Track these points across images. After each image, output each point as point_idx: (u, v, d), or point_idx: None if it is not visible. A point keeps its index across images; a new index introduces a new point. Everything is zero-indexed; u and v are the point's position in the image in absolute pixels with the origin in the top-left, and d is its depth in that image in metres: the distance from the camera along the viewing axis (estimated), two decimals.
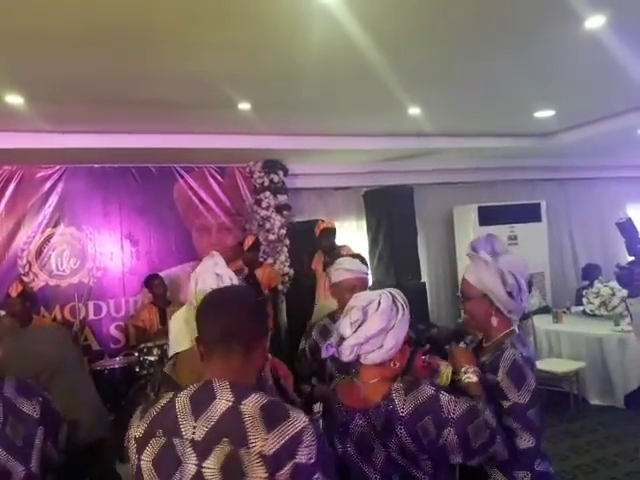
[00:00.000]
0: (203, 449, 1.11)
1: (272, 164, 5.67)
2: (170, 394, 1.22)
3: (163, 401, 1.21)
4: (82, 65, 3.00)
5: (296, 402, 1.93)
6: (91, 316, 5.07)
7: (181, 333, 2.55)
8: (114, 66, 3.06)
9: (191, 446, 1.12)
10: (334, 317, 2.52)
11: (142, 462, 1.16)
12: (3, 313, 3.37)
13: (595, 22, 2.82)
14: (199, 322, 1.29)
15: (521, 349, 1.71)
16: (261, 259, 5.49)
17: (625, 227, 2.49)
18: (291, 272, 5.62)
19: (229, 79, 3.42)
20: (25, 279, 4.77)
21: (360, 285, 2.41)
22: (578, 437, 4.17)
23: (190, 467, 1.11)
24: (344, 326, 1.54)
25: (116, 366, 4.44)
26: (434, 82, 3.83)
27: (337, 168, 6.24)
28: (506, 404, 1.64)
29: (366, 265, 2.72)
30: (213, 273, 1.90)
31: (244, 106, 4.00)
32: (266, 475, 1.05)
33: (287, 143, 5.14)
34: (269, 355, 1.87)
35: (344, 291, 2.40)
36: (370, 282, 6.34)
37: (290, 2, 2.41)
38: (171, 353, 2.67)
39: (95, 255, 5.15)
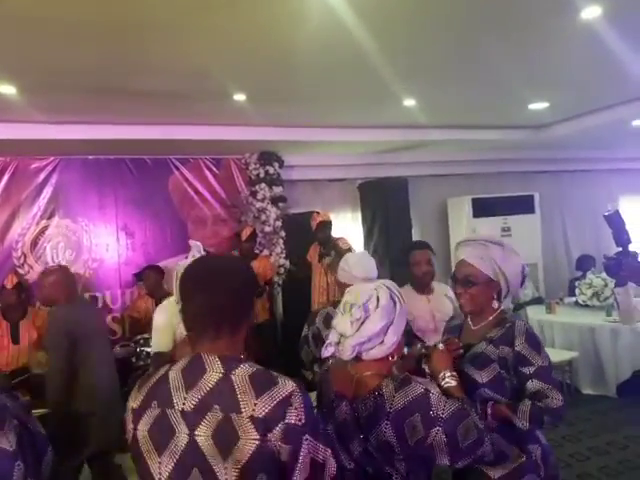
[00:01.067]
0: (193, 419, 1.15)
1: (268, 156, 5.67)
2: (166, 367, 1.27)
3: (158, 374, 1.26)
4: (76, 55, 2.98)
5: None
6: None
7: (162, 330, 2.56)
8: (108, 56, 3.04)
9: (182, 416, 1.17)
10: (337, 305, 2.54)
11: (138, 432, 1.21)
12: None
13: (591, 13, 2.83)
14: (184, 297, 1.28)
15: (522, 320, 1.84)
16: (257, 251, 5.50)
17: (612, 219, 2.54)
18: (287, 264, 5.63)
19: (224, 70, 3.41)
20: (20, 271, 4.76)
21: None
22: (571, 426, 4.23)
23: (182, 437, 1.15)
24: (344, 324, 1.50)
25: None
26: (429, 74, 3.84)
27: (332, 160, 6.25)
28: (531, 369, 1.73)
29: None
30: None
31: (239, 97, 3.99)
32: (258, 436, 1.11)
33: (283, 135, 5.13)
34: None
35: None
36: None
37: None
38: (153, 349, 2.67)
39: (90, 247, 5.14)
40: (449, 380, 1.65)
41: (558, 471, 1.84)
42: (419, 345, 2.07)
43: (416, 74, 3.79)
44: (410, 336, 2.25)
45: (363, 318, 1.48)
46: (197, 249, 1.94)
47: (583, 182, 7.97)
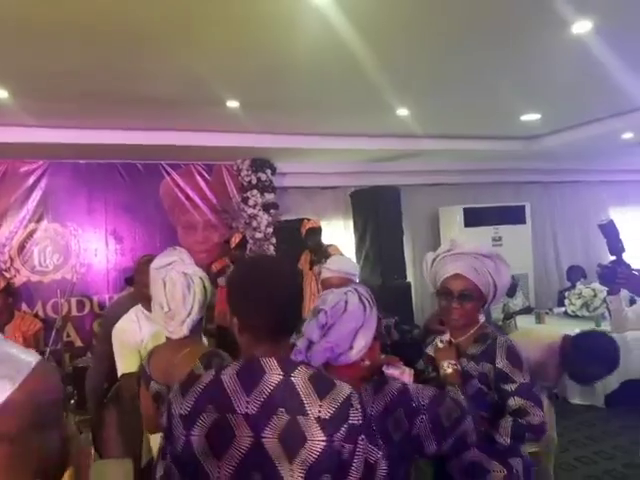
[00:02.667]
0: (258, 422, 1.15)
1: (260, 162, 5.66)
2: (211, 371, 1.26)
3: (205, 379, 1.24)
4: (69, 60, 2.97)
5: None
6: (74, 312, 5.02)
7: (126, 347, 2.44)
8: (101, 62, 3.03)
9: (245, 420, 1.16)
10: None
11: (192, 437, 1.19)
12: None
13: (582, 27, 2.85)
14: (234, 307, 1.26)
15: (504, 335, 1.84)
16: (244, 256, 5.47)
17: (607, 228, 2.56)
18: None
19: (218, 77, 3.40)
20: (6, 274, 4.70)
21: (342, 285, 2.43)
22: (559, 436, 4.18)
23: (245, 439, 1.15)
24: (312, 330, 1.46)
25: None
26: (422, 84, 3.85)
27: (325, 168, 6.25)
28: (513, 387, 1.72)
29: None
30: (181, 273, 1.84)
31: (232, 104, 3.98)
32: (325, 437, 1.12)
33: (275, 142, 5.13)
34: None
35: (326, 290, 2.44)
36: (357, 281, 6.31)
37: (280, 2, 2.41)
38: (121, 371, 2.47)
39: (79, 251, 5.10)
40: (446, 368, 1.73)
41: None
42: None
43: (409, 84, 3.81)
44: (426, 331, 2.25)
45: (330, 323, 1.45)
46: (179, 255, 1.89)
47: (574, 193, 8.03)
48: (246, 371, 1.21)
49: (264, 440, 1.14)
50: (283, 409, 1.15)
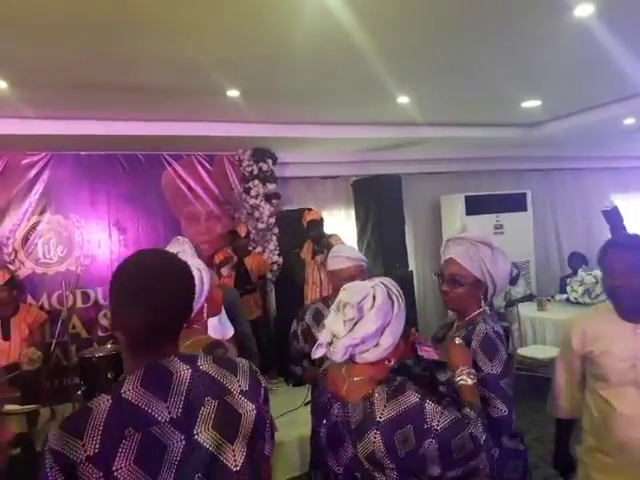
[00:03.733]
0: (187, 421, 1.13)
1: (261, 152, 5.65)
2: (102, 398, 1.11)
3: (103, 406, 1.09)
4: (67, 50, 2.95)
5: None
6: (79, 304, 5.04)
7: None
8: (101, 51, 3.02)
9: (172, 425, 1.11)
10: (327, 301, 2.55)
11: (117, 472, 1.05)
12: None
13: (584, 11, 2.83)
14: (142, 301, 1.13)
15: (492, 324, 1.80)
16: (250, 248, 5.49)
17: (610, 215, 2.59)
18: (280, 260, 5.63)
19: (218, 65, 3.39)
20: (11, 267, 4.72)
21: (359, 274, 2.40)
22: None
23: (177, 444, 1.10)
24: (336, 324, 1.41)
25: (103, 354, 4.42)
26: (423, 72, 3.84)
27: (326, 157, 6.25)
28: (480, 375, 1.68)
29: None
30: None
31: (233, 93, 3.98)
32: (253, 406, 1.22)
33: (276, 131, 5.12)
34: None
35: (343, 280, 2.40)
36: None
37: None
38: None
39: (82, 243, 5.11)
40: (465, 378, 1.59)
41: (522, 476, 1.79)
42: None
43: (410, 72, 3.80)
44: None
45: (357, 318, 1.39)
46: (182, 244, 1.92)
47: (575, 180, 8.02)
48: (150, 379, 1.13)
49: (197, 437, 1.12)
50: (208, 397, 1.16)
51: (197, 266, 1.88)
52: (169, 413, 1.11)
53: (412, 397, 1.37)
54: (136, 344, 1.17)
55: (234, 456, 1.15)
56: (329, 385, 1.54)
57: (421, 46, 3.30)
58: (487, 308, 1.89)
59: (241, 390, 1.21)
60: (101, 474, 1.04)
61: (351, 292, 1.45)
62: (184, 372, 1.16)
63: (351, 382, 1.46)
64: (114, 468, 1.04)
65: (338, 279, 2.44)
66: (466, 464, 1.37)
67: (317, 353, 1.46)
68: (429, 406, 1.36)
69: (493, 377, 1.69)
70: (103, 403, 1.10)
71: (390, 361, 1.45)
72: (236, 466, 1.15)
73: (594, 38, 3.18)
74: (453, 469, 1.36)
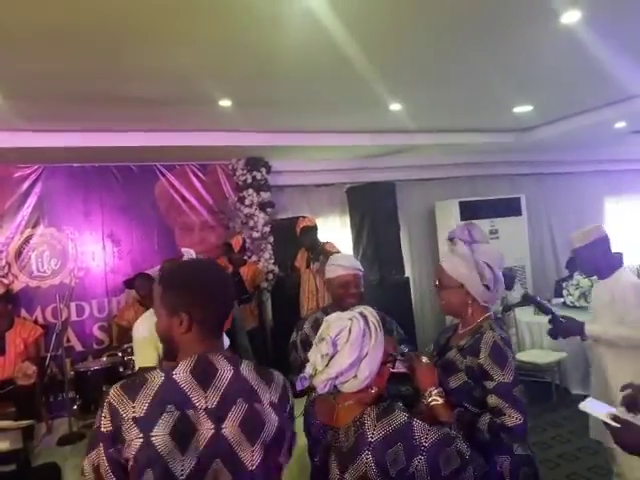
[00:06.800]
0: (218, 414, 1.25)
1: (255, 161, 5.65)
2: (157, 372, 1.28)
3: (156, 379, 1.26)
4: (60, 62, 2.96)
5: None
6: (73, 317, 5.00)
7: (145, 344, 2.55)
8: (93, 63, 3.02)
9: (205, 414, 1.25)
10: (327, 311, 2.54)
11: (153, 438, 1.20)
12: None
13: (570, 17, 2.86)
14: (184, 302, 1.32)
15: (499, 331, 1.78)
16: (245, 257, 5.48)
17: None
18: (276, 269, 5.62)
19: (209, 75, 3.40)
20: (4, 281, 4.69)
21: (354, 281, 2.44)
22: (560, 426, 4.25)
23: (206, 432, 1.24)
24: (315, 358, 1.45)
25: (98, 367, 4.40)
26: (414, 79, 3.86)
27: (320, 165, 6.25)
28: (491, 384, 1.68)
29: None
30: None
31: (225, 103, 3.98)
32: (277, 418, 1.32)
33: (269, 140, 5.13)
34: None
35: (338, 287, 2.45)
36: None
37: None
38: (138, 365, 2.66)
39: (76, 255, 5.09)
40: (436, 397, 1.61)
41: None
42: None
43: (401, 79, 3.81)
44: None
45: (332, 353, 1.42)
46: (189, 256, 1.93)
47: (568, 184, 8.06)
48: (199, 369, 1.28)
49: (224, 430, 1.24)
50: (241, 399, 1.28)
51: None
52: (205, 402, 1.25)
53: (400, 416, 1.40)
54: (199, 335, 1.32)
55: (252, 457, 1.26)
56: (318, 416, 1.58)
57: (411, 54, 3.32)
58: (492, 313, 1.87)
59: (270, 401, 1.32)
60: (141, 435, 1.20)
61: (328, 325, 1.49)
62: (227, 371, 1.30)
63: (341, 407, 1.48)
64: (152, 434, 1.20)
65: (333, 287, 2.49)
66: (453, 478, 1.39)
67: (300, 385, 1.48)
68: (417, 424, 1.39)
69: (506, 386, 1.67)
70: (157, 377, 1.27)
71: (372, 389, 1.46)
72: (252, 465, 1.26)
73: (582, 44, 3.21)
74: None
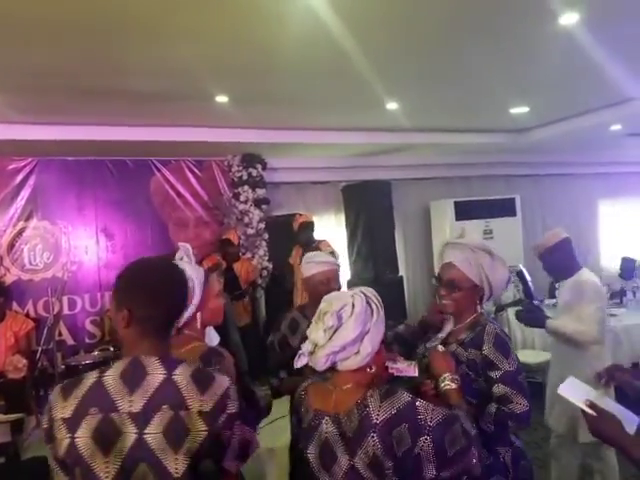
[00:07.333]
0: (142, 419, 1.23)
1: (250, 158, 5.64)
2: (93, 373, 1.30)
3: (88, 381, 1.28)
4: (55, 55, 2.94)
5: (257, 394, 1.96)
6: (65, 311, 4.98)
7: None
8: (89, 56, 3.00)
9: (129, 418, 1.23)
10: (303, 310, 2.54)
11: (77, 439, 1.23)
12: None
13: (568, 19, 2.86)
14: (127, 298, 1.32)
15: (497, 324, 1.86)
16: (239, 253, 5.47)
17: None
18: (270, 266, 5.61)
19: (206, 71, 3.39)
20: None
21: (333, 277, 2.45)
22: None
23: (130, 436, 1.23)
24: (317, 333, 1.43)
25: (90, 361, 4.38)
26: (411, 78, 3.86)
27: (316, 162, 6.25)
28: (497, 373, 1.74)
29: (336, 258, 2.74)
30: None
31: (221, 99, 3.97)
32: (206, 428, 1.25)
33: (265, 137, 5.11)
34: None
35: (318, 284, 2.42)
36: (349, 276, 6.37)
37: None
38: None
39: (69, 249, 5.07)
40: (449, 383, 1.62)
41: (530, 475, 1.83)
42: (421, 346, 2.03)
43: (398, 78, 3.81)
44: (421, 327, 2.20)
45: (336, 326, 1.41)
46: (185, 252, 1.91)
47: (563, 185, 8.08)
48: (129, 372, 1.27)
49: (147, 436, 1.23)
50: (166, 406, 1.24)
51: (190, 274, 1.86)
52: (130, 406, 1.24)
53: (404, 396, 1.39)
54: (139, 333, 1.31)
55: (176, 464, 1.23)
56: (313, 403, 1.53)
57: (408, 53, 3.32)
58: (484, 311, 1.92)
59: (200, 410, 1.25)
60: (69, 435, 1.23)
61: (331, 301, 1.48)
62: (158, 376, 1.27)
63: (340, 392, 1.46)
64: (76, 435, 1.23)
65: (312, 284, 2.45)
66: (460, 461, 1.39)
67: (299, 362, 1.47)
68: (421, 404, 1.39)
69: (511, 374, 1.73)
70: (90, 378, 1.28)
71: (372, 368, 1.46)
72: (177, 473, 1.23)
73: (580, 46, 3.21)
74: (447, 469, 1.38)
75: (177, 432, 1.23)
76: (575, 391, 1.58)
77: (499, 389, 1.72)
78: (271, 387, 2.47)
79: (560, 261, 3.00)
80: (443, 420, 1.38)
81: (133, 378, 1.26)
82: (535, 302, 2.98)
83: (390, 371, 1.63)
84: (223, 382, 1.32)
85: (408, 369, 1.65)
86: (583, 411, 1.48)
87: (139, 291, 1.32)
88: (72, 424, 1.23)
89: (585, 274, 2.96)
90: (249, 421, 1.48)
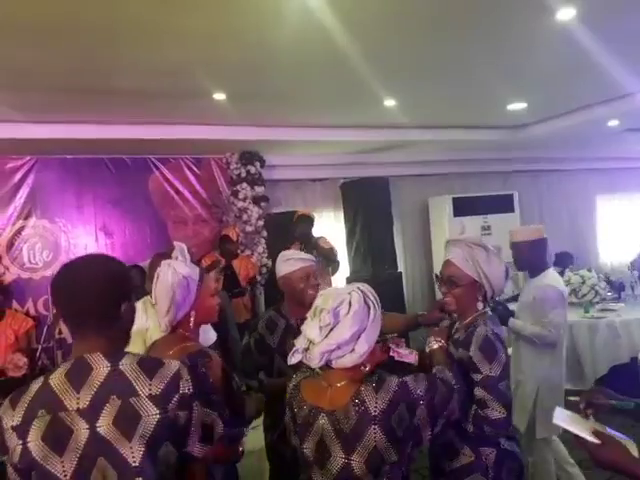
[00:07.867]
0: (92, 413, 1.24)
1: (249, 155, 5.64)
2: (39, 379, 1.31)
3: (34, 386, 1.29)
4: (54, 54, 2.94)
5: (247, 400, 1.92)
6: None
7: (132, 336, 2.51)
8: (87, 55, 3.00)
9: (78, 415, 1.24)
10: (280, 309, 2.50)
11: (29, 444, 1.23)
12: None
13: (565, 14, 2.87)
14: (54, 297, 1.37)
15: (492, 326, 1.82)
16: (238, 251, 5.48)
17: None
18: (269, 263, 5.62)
19: (203, 68, 3.39)
20: None
21: (312, 273, 2.40)
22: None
23: (82, 432, 1.23)
24: (312, 330, 1.42)
25: None
26: (409, 75, 3.86)
27: (314, 159, 6.25)
28: (478, 377, 1.72)
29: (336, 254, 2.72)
30: (167, 267, 1.85)
31: (219, 96, 3.97)
32: (158, 411, 1.25)
33: (264, 134, 5.12)
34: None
35: (298, 281, 2.37)
36: (348, 272, 6.36)
37: None
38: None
39: (69, 247, 5.07)
40: (432, 343, 1.75)
41: (517, 478, 1.80)
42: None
43: (396, 74, 3.81)
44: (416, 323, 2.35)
45: (333, 324, 1.40)
46: (180, 251, 1.91)
47: (561, 181, 8.10)
48: (74, 370, 1.28)
49: (99, 429, 1.23)
50: (114, 396, 1.25)
51: (183, 273, 1.86)
52: (77, 403, 1.24)
53: (393, 380, 1.44)
54: (71, 329, 1.37)
55: (132, 453, 1.23)
56: (307, 399, 1.52)
57: (406, 49, 3.32)
58: (488, 310, 1.92)
59: (150, 394, 1.26)
60: (20, 442, 1.24)
61: (327, 297, 1.46)
62: (103, 369, 1.27)
63: (335, 388, 1.46)
64: (28, 440, 1.23)
65: (292, 282, 2.39)
66: (446, 409, 1.48)
67: (293, 359, 1.46)
68: (408, 379, 1.45)
69: (492, 379, 1.71)
70: (36, 384, 1.30)
71: (366, 367, 1.46)
72: (135, 461, 1.23)
73: (577, 41, 3.22)
74: (438, 423, 1.47)
75: (128, 419, 1.23)
76: (570, 421, 1.47)
77: (478, 392, 1.71)
78: (250, 390, 2.42)
79: (537, 258, 3.13)
80: (430, 383, 1.47)
81: (78, 376, 1.27)
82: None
83: (392, 354, 1.66)
84: (172, 365, 1.33)
85: (409, 356, 1.71)
86: (581, 441, 1.34)
87: (61, 288, 1.35)
88: (22, 430, 1.24)
89: (550, 277, 3.09)
90: (229, 422, 1.51)
